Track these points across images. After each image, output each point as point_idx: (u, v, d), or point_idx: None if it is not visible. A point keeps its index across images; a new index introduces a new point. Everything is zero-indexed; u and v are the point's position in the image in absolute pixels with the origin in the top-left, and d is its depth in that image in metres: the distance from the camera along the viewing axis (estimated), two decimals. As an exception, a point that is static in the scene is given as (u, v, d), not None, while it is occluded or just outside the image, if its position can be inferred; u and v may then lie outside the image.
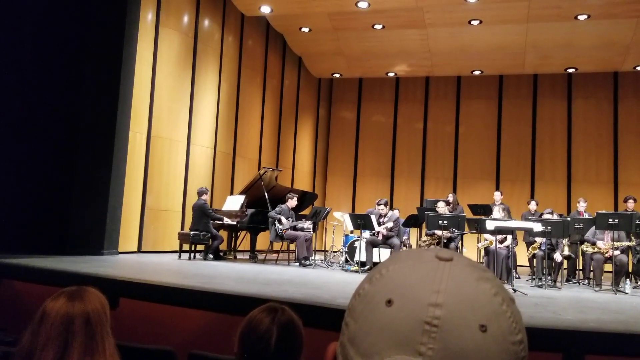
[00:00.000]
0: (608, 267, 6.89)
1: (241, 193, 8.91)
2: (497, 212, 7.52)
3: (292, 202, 8.47)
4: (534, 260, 7.34)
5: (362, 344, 0.48)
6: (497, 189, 10.91)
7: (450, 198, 9.12)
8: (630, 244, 6.88)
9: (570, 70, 12.05)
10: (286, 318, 1.71)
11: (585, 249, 7.21)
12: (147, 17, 8.39)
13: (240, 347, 1.68)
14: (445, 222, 6.86)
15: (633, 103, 11.91)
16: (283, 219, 8.18)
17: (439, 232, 7.43)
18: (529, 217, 8.19)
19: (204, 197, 8.18)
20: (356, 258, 8.06)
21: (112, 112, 7.43)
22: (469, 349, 0.45)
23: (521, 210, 9.64)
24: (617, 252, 6.66)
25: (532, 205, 9.02)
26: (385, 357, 0.46)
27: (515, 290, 5.68)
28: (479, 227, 7.04)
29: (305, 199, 9.57)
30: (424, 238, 7.90)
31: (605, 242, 6.89)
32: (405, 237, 8.98)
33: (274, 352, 1.65)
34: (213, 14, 9.98)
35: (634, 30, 10.01)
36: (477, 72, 12.68)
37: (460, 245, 8.13)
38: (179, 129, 9.13)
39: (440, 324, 0.45)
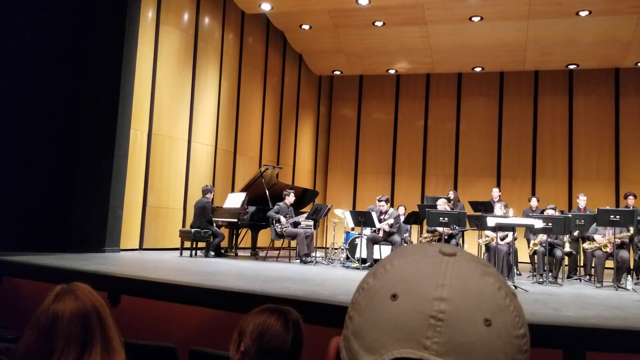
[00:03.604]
0: (609, 263, 6.89)
1: (242, 190, 8.91)
2: (498, 209, 7.51)
3: (290, 199, 8.46)
4: (535, 256, 7.34)
5: (367, 337, 0.48)
6: (498, 186, 10.88)
7: (451, 195, 9.12)
8: (629, 233, 6.84)
9: (571, 67, 12.02)
10: (294, 319, 1.71)
11: (586, 246, 7.20)
12: (148, 15, 8.38)
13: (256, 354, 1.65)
14: (446, 218, 6.87)
15: (634, 99, 11.88)
16: (282, 219, 8.17)
17: (440, 229, 7.43)
18: (530, 214, 8.18)
19: (208, 195, 8.20)
20: (357, 255, 8.06)
21: (113, 110, 7.43)
22: (474, 342, 0.45)
23: (522, 207, 9.64)
24: (618, 247, 6.64)
25: (533, 202, 9.00)
26: (390, 351, 0.46)
27: (516, 287, 5.68)
28: (479, 224, 7.04)
29: (306, 196, 9.57)
30: (425, 235, 7.91)
31: (603, 237, 6.87)
32: (406, 234, 8.98)
33: (286, 353, 1.65)
34: (213, 12, 9.96)
35: (635, 26, 9.99)
36: (477, 69, 12.67)
37: (461, 242, 8.14)
38: (179, 127, 9.13)
39: (445, 318, 0.45)
